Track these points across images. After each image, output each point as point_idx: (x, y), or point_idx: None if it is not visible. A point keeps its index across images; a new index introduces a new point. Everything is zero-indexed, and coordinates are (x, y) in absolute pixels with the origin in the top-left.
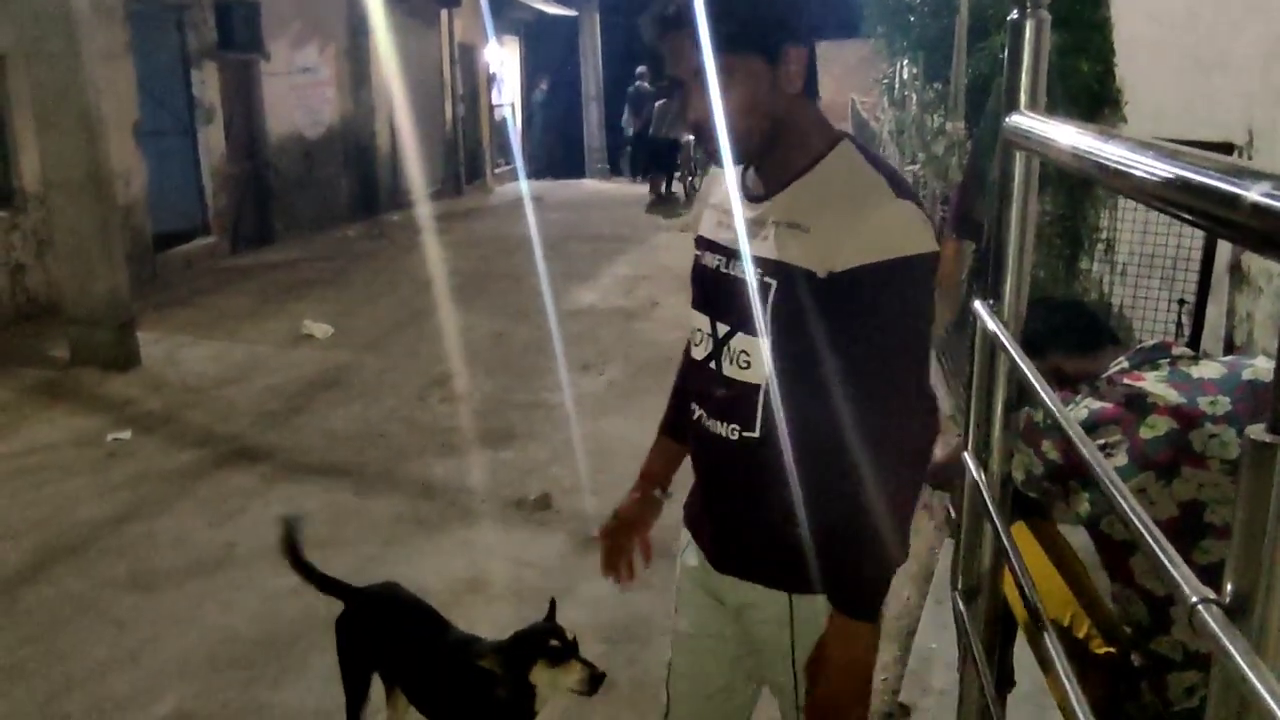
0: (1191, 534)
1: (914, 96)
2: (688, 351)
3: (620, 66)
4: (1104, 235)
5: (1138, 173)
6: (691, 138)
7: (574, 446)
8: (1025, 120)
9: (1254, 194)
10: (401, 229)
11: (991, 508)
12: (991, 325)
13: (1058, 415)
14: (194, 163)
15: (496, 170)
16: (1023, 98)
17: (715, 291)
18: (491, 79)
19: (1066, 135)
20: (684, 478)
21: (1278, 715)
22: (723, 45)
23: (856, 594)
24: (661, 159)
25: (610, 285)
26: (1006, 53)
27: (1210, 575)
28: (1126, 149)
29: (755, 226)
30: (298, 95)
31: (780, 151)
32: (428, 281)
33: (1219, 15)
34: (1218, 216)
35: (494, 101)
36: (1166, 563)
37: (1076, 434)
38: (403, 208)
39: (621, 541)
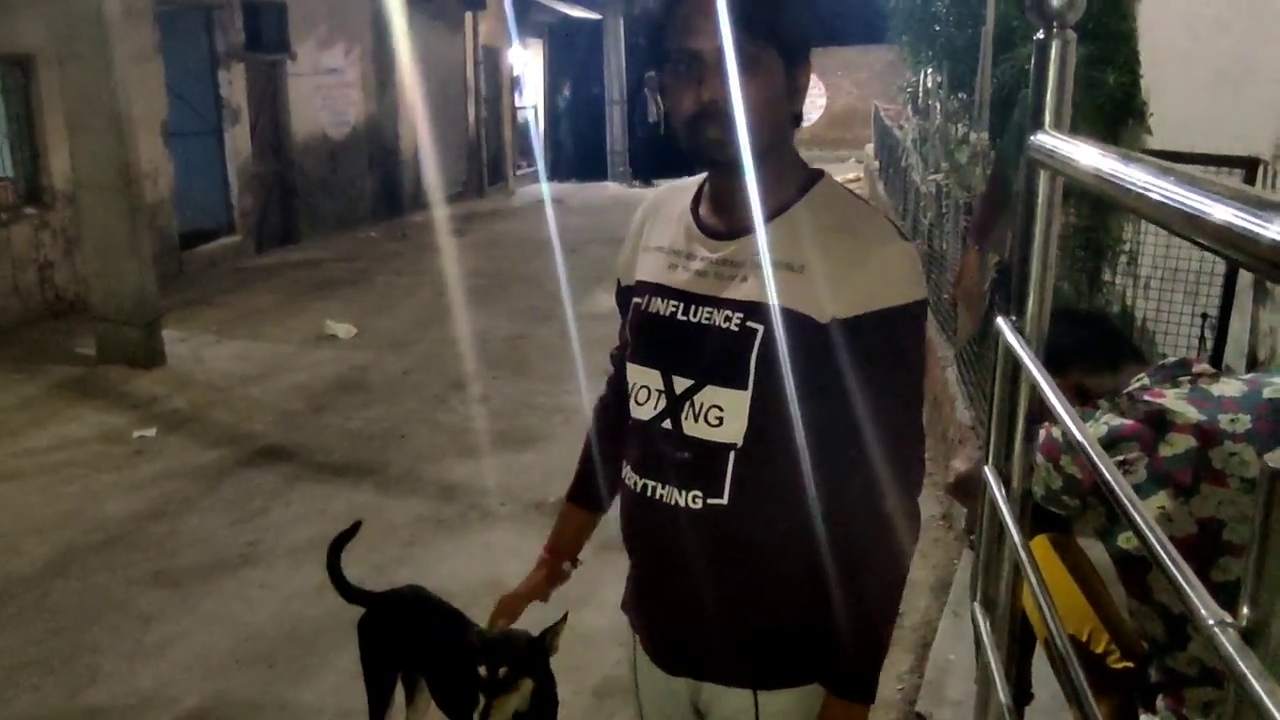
0: (1210, 551)
1: (938, 105)
2: (604, 414)
3: (644, 71)
4: (1127, 248)
5: (1156, 198)
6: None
7: None
8: (1050, 140)
9: (1273, 232)
10: (424, 230)
11: (1010, 521)
12: (1013, 341)
13: (1076, 434)
14: (220, 162)
15: (519, 172)
16: (1048, 117)
17: (671, 342)
18: (515, 81)
19: (1089, 156)
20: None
21: None
22: (756, 31)
23: (862, 679)
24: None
25: None
26: (1032, 70)
27: (1228, 593)
28: (1148, 173)
29: (726, 267)
30: (323, 96)
31: (759, 176)
32: (449, 283)
33: (1248, 27)
34: (1238, 248)
35: (517, 104)
36: (1184, 583)
37: (1096, 453)
38: (425, 209)
39: (516, 609)
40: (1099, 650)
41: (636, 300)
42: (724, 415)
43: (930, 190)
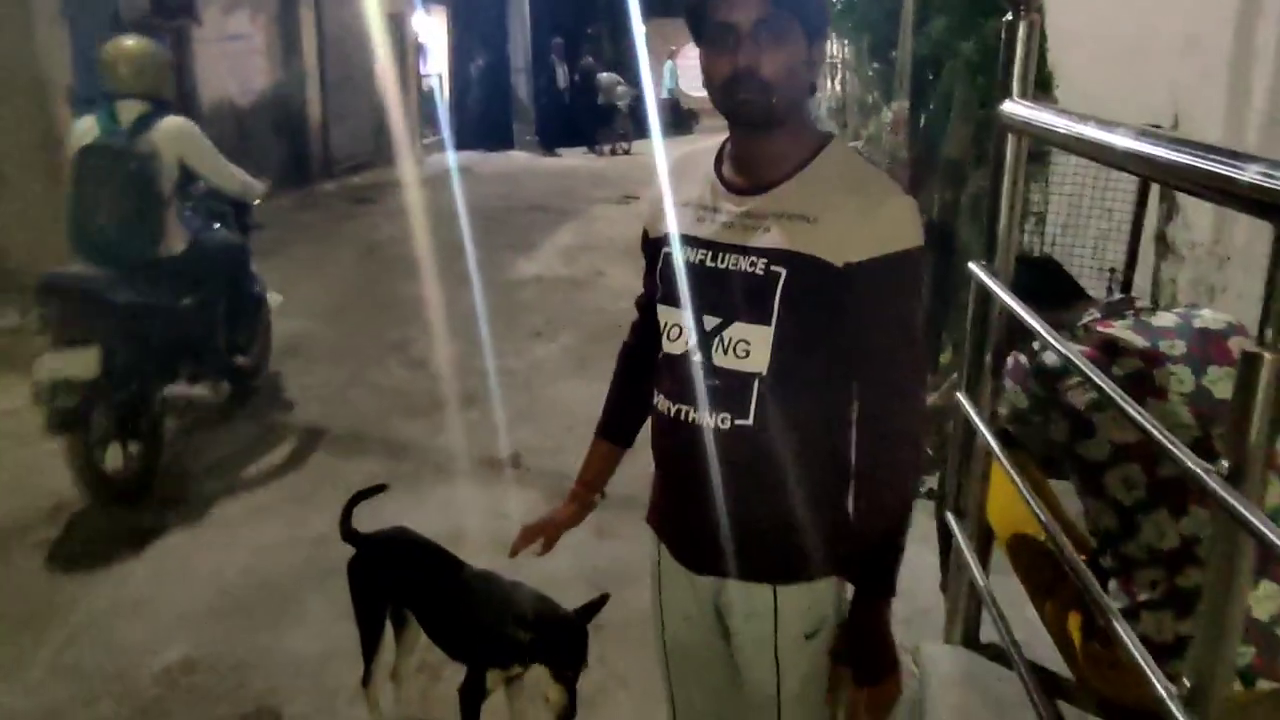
0: (1153, 451)
1: (853, 76)
2: (627, 357)
3: (549, 39)
4: (1035, 209)
5: (1117, 146)
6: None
7: (537, 408)
8: (1018, 107)
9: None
10: (336, 198)
11: (982, 437)
12: (987, 280)
13: (1059, 348)
14: None
15: (424, 141)
16: (1015, 87)
17: (701, 285)
18: (419, 49)
19: (1052, 119)
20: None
21: (1270, 538)
22: (784, 5)
23: (884, 576)
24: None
25: (553, 256)
26: (1002, 47)
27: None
28: (1100, 131)
29: (751, 219)
30: (229, 63)
31: (778, 138)
32: (370, 250)
33: (1148, 4)
34: (1149, 163)
35: (421, 72)
36: (1170, 445)
37: (1069, 350)
38: (335, 177)
39: (549, 533)
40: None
41: (667, 250)
42: (750, 348)
43: None
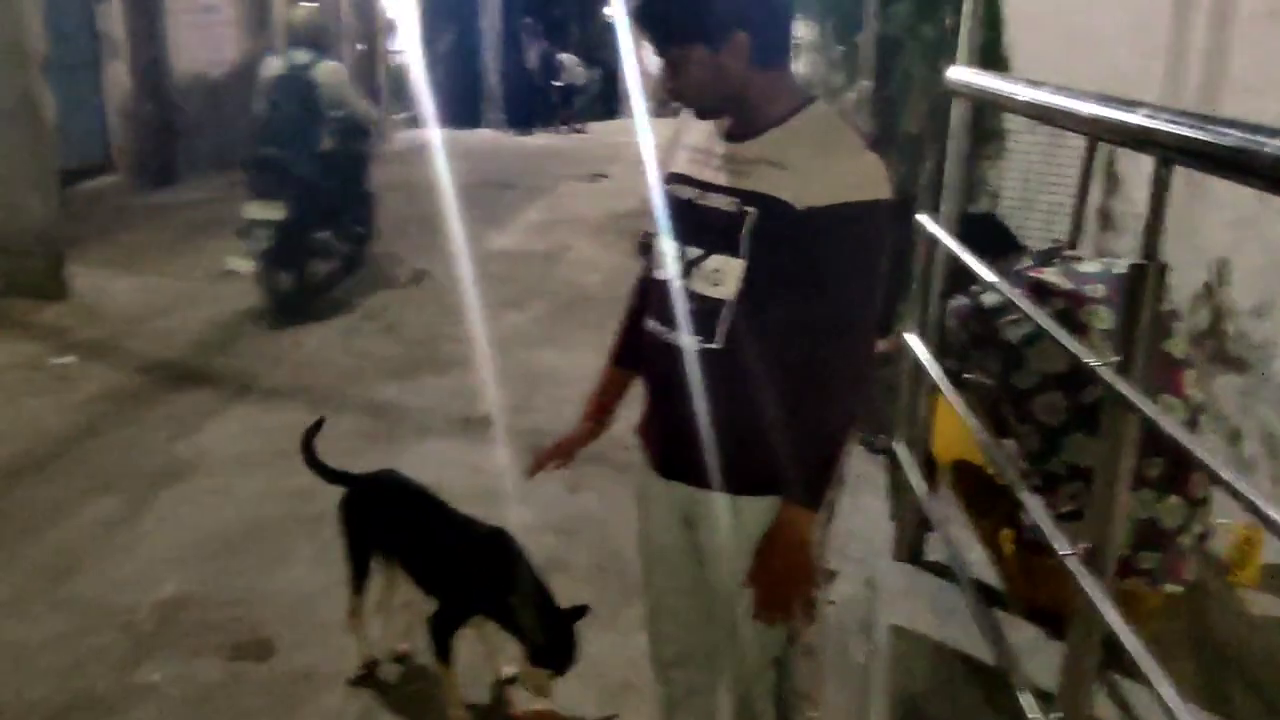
0: (1076, 381)
1: (819, 57)
2: (643, 278)
3: (519, 19)
4: (990, 189)
5: (1040, 101)
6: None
7: (509, 373)
8: (964, 72)
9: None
10: None
11: (929, 374)
12: (935, 229)
13: (987, 277)
14: (99, 98)
15: (395, 117)
16: (961, 55)
17: (688, 219)
18: (388, 25)
19: (994, 82)
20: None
21: (1150, 417)
22: (668, 41)
23: (811, 486)
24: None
25: (525, 230)
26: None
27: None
28: (1030, 89)
29: (735, 163)
30: (201, 34)
31: (748, 110)
32: None
33: None
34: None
35: (390, 48)
36: (1069, 345)
37: (1005, 288)
38: None
39: (562, 453)
40: (991, 471)
41: (668, 188)
42: (722, 278)
43: None
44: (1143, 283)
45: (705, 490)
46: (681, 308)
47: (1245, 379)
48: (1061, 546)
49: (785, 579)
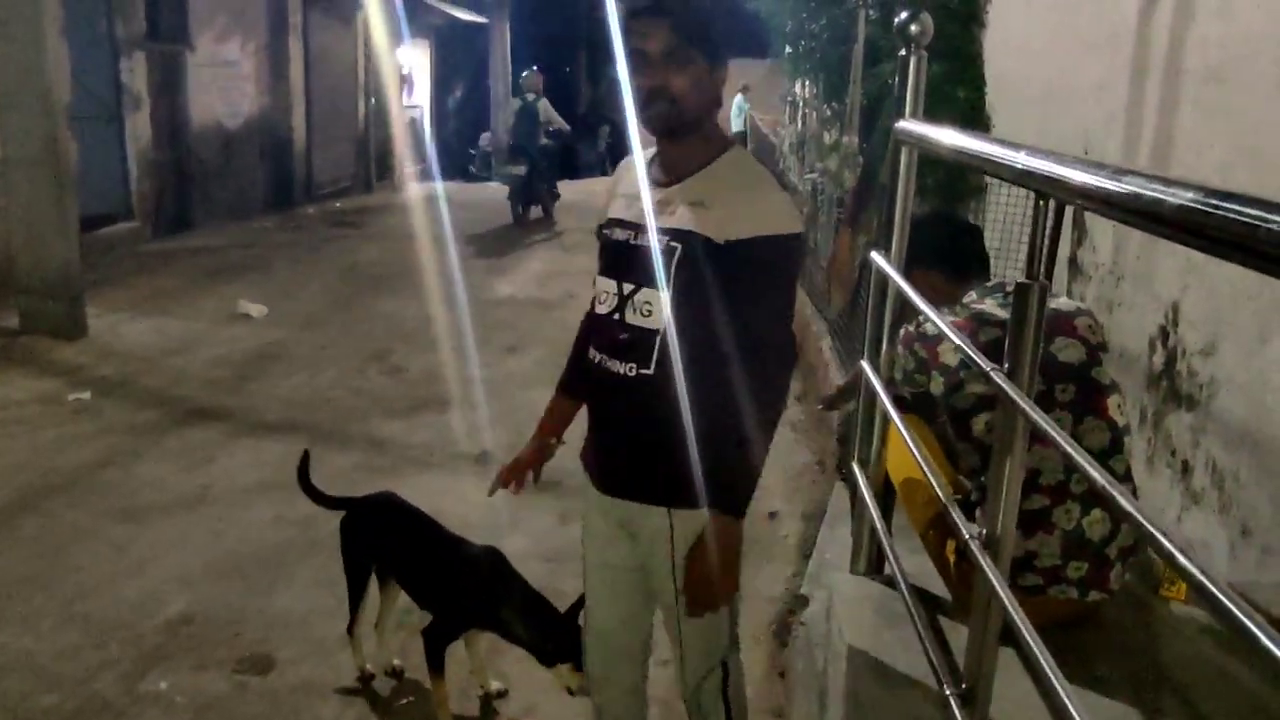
0: None
1: (813, 114)
2: (589, 314)
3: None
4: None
5: (972, 150)
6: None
7: (507, 413)
8: (910, 125)
9: (1024, 161)
10: (317, 221)
11: (881, 399)
12: (884, 265)
13: (927, 311)
14: (120, 148)
15: (408, 170)
16: (908, 110)
17: (624, 258)
18: (403, 80)
19: (936, 132)
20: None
21: (1034, 418)
22: (690, 38)
23: (735, 496)
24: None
25: (527, 279)
26: (897, 78)
27: None
28: (965, 138)
29: (664, 205)
30: (219, 87)
31: (690, 142)
32: (350, 270)
33: (1065, 51)
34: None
35: (405, 103)
36: (989, 369)
37: (941, 320)
38: (316, 201)
39: (518, 474)
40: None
41: (605, 231)
42: (652, 309)
43: (807, 188)
44: (1027, 300)
45: (645, 505)
46: (618, 340)
47: (1195, 415)
48: (965, 528)
49: (714, 579)
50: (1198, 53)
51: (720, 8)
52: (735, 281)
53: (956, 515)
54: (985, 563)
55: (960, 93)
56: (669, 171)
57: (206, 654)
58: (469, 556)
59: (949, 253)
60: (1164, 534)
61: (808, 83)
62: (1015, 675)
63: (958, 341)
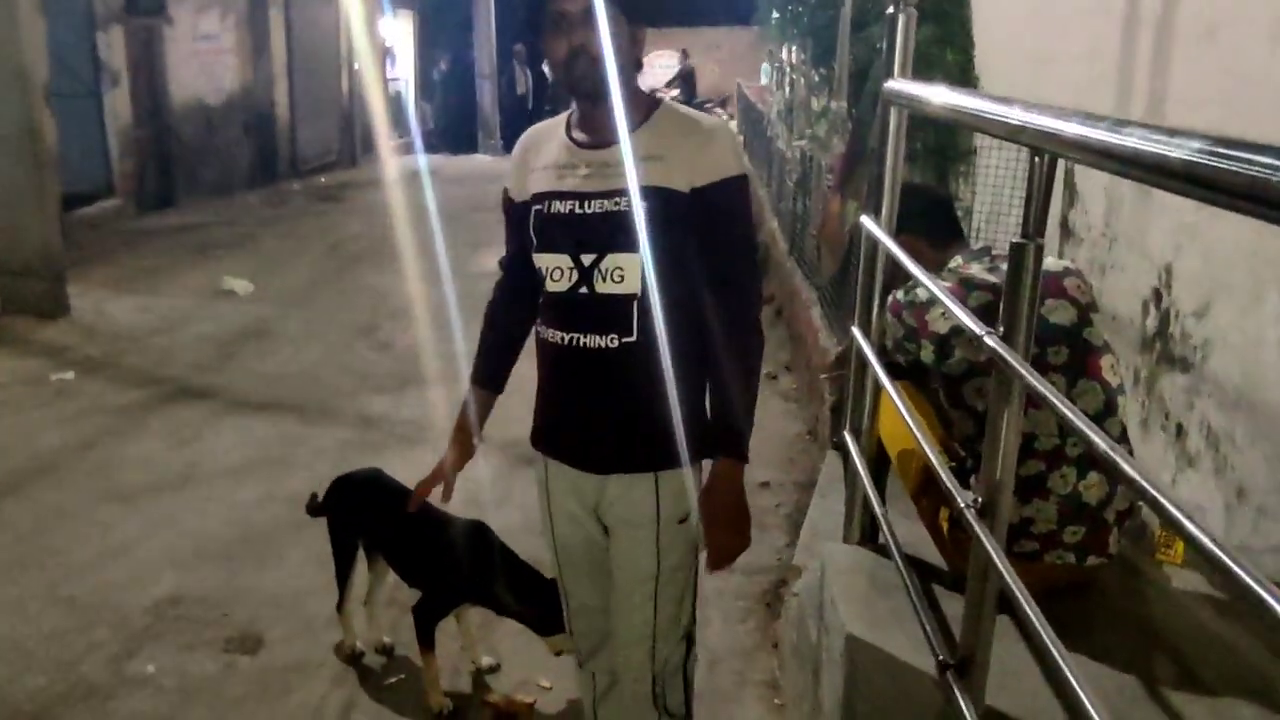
0: None
1: (801, 80)
2: (494, 313)
3: (513, 44)
4: (962, 205)
5: (960, 106)
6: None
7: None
8: (898, 84)
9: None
10: (302, 196)
11: (871, 365)
12: (875, 230)
13: (926, 282)
14: (99, 125)
15: (392, 143)
16: (896, 69)
17: (574, 229)
18: (387, 52)
19: (924, 90)
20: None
21: (1029, 380)
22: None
23: (741, 441)
24: None
25: None
26: (885, 37)
27: None
28: (954, 95)
29: (604, 168)
30: (200, 62)
31: (624, 102)
32: (336, 246)
33: (1056, 14)
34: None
35: (389, 75)
36: (977, 328)
37: (934, 284)
38: (301, 176)
39: (440, 479)
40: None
41: (537, 208)
42: (625, 274)
43: (796, 155)
44: (1023, 260)
45: (628, 475)
46: (590, 313)
47: (1189, 377)
48: (960, 495)
49: (734, 525)
50: (1190, 9)
51: None
52: (704, 229)
53: (951, 482)
54: (981, 530)
55: (949, 55)
56: (601, 133)
57: (195, 634)
58: (455, 532)
59: (930, 219)
60: (1165, 496)
61: (795, 48)
62: (1011, 643)
63: (950, 305)
